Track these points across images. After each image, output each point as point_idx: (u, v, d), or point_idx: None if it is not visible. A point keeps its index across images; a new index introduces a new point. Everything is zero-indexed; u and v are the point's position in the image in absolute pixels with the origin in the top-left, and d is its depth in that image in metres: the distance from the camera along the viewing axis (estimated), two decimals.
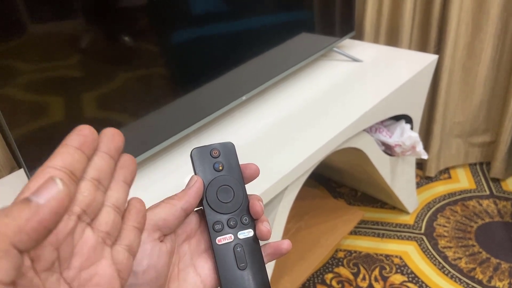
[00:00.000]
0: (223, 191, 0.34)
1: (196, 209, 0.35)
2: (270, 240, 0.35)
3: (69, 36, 0.67)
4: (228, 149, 0.36)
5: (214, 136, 0.96)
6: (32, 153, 0.66)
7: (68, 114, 0.70)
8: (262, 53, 1.01)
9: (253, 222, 0.35)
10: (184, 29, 0.84)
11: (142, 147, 0.81)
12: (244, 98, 0.99)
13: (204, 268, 0.34)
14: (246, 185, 0.36)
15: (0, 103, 0.61)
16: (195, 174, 0.35)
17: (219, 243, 0.33)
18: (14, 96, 0.63)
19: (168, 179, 0.84)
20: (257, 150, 0.90)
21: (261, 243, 0.35)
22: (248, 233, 0.34)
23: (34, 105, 0.66)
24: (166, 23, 0.80)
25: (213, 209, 0.34)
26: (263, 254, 0.34)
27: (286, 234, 1.29)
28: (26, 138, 0.65)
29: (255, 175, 0.36)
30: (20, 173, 0.90)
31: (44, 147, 0.69)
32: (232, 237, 0.34)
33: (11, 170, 0.95)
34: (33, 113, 0.66)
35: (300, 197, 1.42)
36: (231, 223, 0.34)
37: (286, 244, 0.35)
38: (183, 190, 0.34)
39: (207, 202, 0.34)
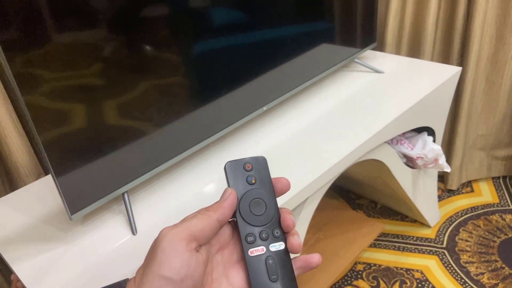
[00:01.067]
0: (256, 204, 0.35)
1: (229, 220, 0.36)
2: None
3: (94, 46, 0.69)
4: (260, 163, 0.37)
5: (234, 147, 0.96)
6: (60, 161, 0.68)
7: (95, 122, 0.72)
8: (283, 64, 1.01)
9: (284, 235, 0.35)
10: (206, 40, 0.85)
11: (164, 156, 0.83)
12: (265, 108, 0.99)
13: (236, 279, 0.34)
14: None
15: (30, 110, 0.63)
16: (229, 186, 0.36)
17: (252, 255, 0.34)
18: (42, 104, 0.65)
19: (190, 187, 0.85)
20: (277, 161, 0.90)
21: (291, 255, 0.35)
22: (279, 245, 0.35)
23: (61, 113, 0.68)
24: (189, 34, 0.82)
25: (246, 222, 0.35)
26: (294, 267, 0.35)
27: (305, 245, 1.29)
28: (54, 145, 0.67)
29: (286, 189, 0.37)
30: (47, 179, 0.92)
31: (71, 155, 0.70)
32: (264, 249, 0.34)
33: (38, 177, 0.98)
34: (60, 120, 0.68)
35: (319, 208, 1.42)
36: (263, 235, 0.34)
37: (317, 258, 0.35)
38: (218, 202, 0.35)
39: (240, 214, 0.35)
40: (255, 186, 0.36)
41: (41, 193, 0.88)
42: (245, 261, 0.34)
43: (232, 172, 0.36)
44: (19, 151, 0.94)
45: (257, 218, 0.35)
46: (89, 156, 0.72)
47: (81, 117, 0.70)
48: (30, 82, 0.63)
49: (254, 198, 0.35)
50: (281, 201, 0.79)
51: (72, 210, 0.72)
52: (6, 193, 0.94)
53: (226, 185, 0.37)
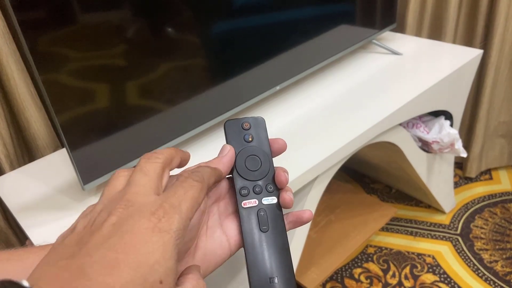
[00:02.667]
0: (251, 160, 0.37)
1: (227, 176, 0.38)
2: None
3: (115, 27, 0.70)
4: (259, 123, 0.39)
5: None
6: (74, 135, 0.70)
7: (109, 100, 0.73)
8: (300, 44, 1.01)
9: (277, 191, 0.37)
10: (224, 21, 0.85)
11: (175, 131, 0.84)
12: (278, 88, 0.99)
13: (230, 228, 0.36)
14: (279, 161, 0.38)
15: (48, 88, 0.65)
16: (227, 143, 0.38)
17: (245, 206, 0.36)
18: (60, 82, 0.67)
19: (206, 158, 0.86)
20: (290, 139, 0.91)
21: (285, 211, 0.37)
22: (271, 200, 0.36)
23: (78, 91, 0.70)
24: (206, 15, 0.82)
25: (241, 176, 0.37)
26: (286, 222, 0.37)
27: (315, 227, 1.29)
28: (69, 121, 0.69)
29: (282, 149, 0.39)
30: (64, 151, 0.95)
31: (85, 130, 0.72)
32: (257, 202, 0.36)
33: (55, 149, 1.00)
34: (77, 98, 0.70)
35: (332, 191, 1.42)
36: (256, 189, 0.37)
37: (308, 213, 0.37)
38: (217, 157, 0.37)
39: (236, 169, 0.37)
40: (252, 143, 0.38)
41: (58, 165, 0.91)
42: (238, 212, 0.36)
43: (231, 130, 0.38)
44: (37, 123, 0.96)
45: (251, 173, 0.37)
46: (101, 130, 0.74)
47: (95, 94, 0.72)
48: (50, 61, 0.64)
49: (250, 155, 0.37)
50: (291, 177, 0.79)
51: (84, 181, 0.74)
52: (25, 163, 0.97)
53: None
